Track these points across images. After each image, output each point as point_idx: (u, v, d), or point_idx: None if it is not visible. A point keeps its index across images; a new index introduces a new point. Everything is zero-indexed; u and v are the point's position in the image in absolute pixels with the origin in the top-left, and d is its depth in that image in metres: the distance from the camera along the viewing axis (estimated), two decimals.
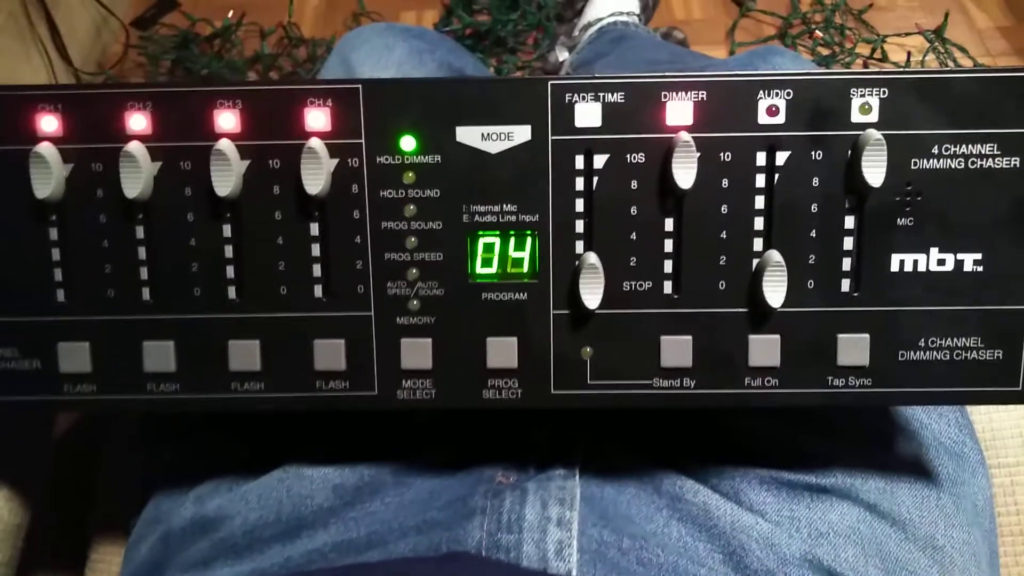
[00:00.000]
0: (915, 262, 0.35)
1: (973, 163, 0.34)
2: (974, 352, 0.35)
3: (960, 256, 0.35)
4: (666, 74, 0.34)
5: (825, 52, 1.34)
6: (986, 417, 0.53)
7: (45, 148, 0.34)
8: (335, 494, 0.41)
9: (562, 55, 1.28)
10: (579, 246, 0.35)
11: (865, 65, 1.32)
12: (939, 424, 0.44)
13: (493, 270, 0.36)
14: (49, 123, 0.35)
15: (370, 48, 0.65)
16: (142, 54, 1.38)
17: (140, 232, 0.35)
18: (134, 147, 0.34)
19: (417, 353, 0.36)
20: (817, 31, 1.36)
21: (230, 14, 1.41)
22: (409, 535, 0.39)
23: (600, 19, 1.20)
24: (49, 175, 0.34)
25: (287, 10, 1.41)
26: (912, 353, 0.35)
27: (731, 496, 0.40)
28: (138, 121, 0.35)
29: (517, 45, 1.37)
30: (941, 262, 0.35)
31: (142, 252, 0.36)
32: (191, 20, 1.40)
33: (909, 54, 1.32)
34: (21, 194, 0.35)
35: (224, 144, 0.34)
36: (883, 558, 0.39)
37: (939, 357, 0.35)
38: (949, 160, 0.34)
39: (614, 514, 0.39)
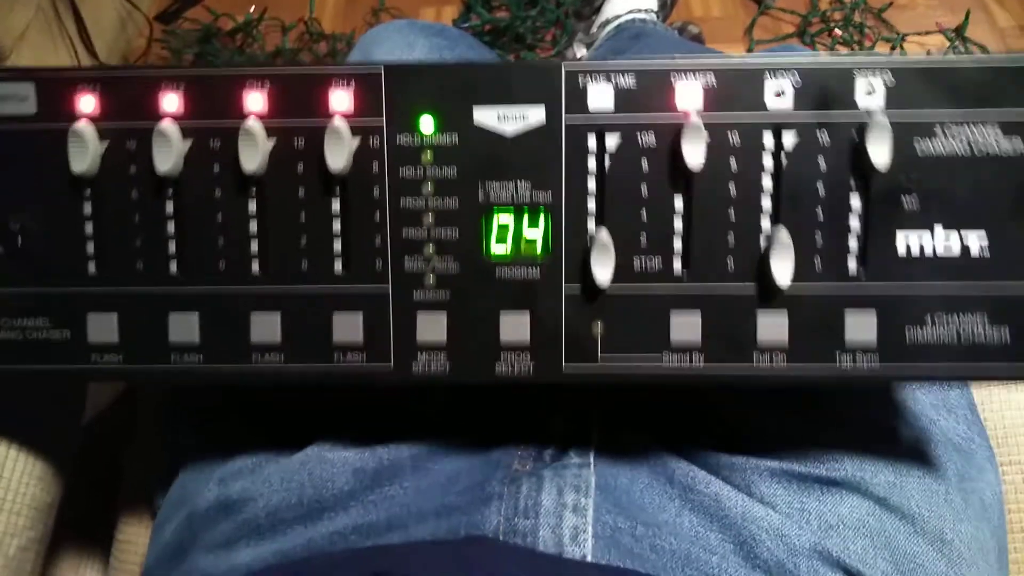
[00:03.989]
0: (921, 241, 0.35)
1: (977, 145, 0.35)
2: (980, 329, 0.35)
3: (965, 235, 0.35)
4: (675, 58, 0.35)
5: (844, 50, 1.34)
6: (998, 415, 0.53)
7: (83, 126, 0.36)
8: (355, 477, 0.42)
9: (580, 52, 1.29)
10: (591, 224, 0.36)
11: None
12: (948, 421, 0.45)
13: (507, 247, 0.36)
14: (87, 103, 0.36)
15: (391, 45, 0.66)
16: (165, 48, 1.40)
17: (170, 208, 0.37)
18: (166, 125, 0.36)
19: (432, 327, 0.37)
20: (836, 29, 1.36)
21: (252, 9, 1.43)
22: (428, 519, 0.40)
23: (618, 16, 1.20)
24: (85, 152, 0.36)
25: (308, 5, 1.43)
26: (919, 331, 0.36)
27: (742, 487, 0.41)
28: (171, 101, 0.36)
29: (535, 42, 1.38)
30: (946, 241, 0.35)
31: (171, 227, 0.37)
32: (214, 15, 1.42)
33: (929, 53, 1.31)
34: (58, 170, 0.36)
35: (252, 123, 0.35)
36: (892, 551, 0.39)
37: (946, 335, 0.36)
38: (953, 143, 0.35)
39: (628, 502, 0.40)
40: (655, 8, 1.22)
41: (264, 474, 0.43)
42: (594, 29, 1.27)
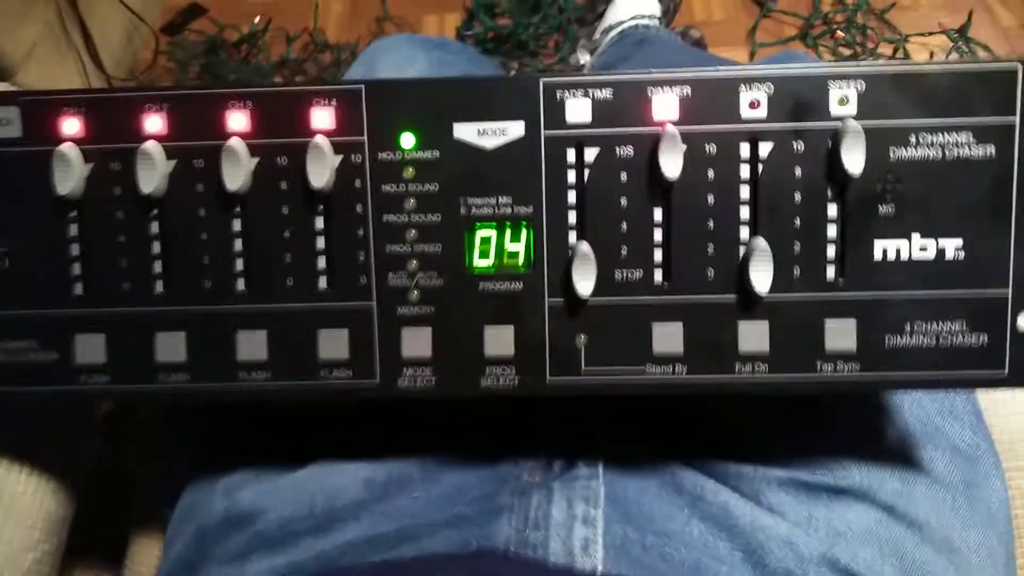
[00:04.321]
0: (898, 249, 0.35)
1: (950, 152, 0.35)
2: (959, 337, 0.36)
3: (942, 242, 0.35)
4: (651, 71, 0.35)
5: (847, 52, 1.33)
6: (1003, 420, 0.52)
7: (67, 148, 0.36)
8: (366, 488, 0.42)
9: (583, 58, 1.29)
10: (572, 237, 0.36)
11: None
12: (954, 427, 0.44)
13: (490, 261, 0.37)
14: (71, 125, 0.37)
15: (392, 59, 0.67)
16: (171, 59, 1.41)
17: (155, 228, 0.37)
18: (150, 146, 0.36)
19: (417, 342, 0.37)
20: (839, 31, 1.35)
21: (257, 20, 1.44)
22: (439, 531, 0.40)
23: (621, 22, 1.20)
24: (70, 174, 0.36)
25: (312, 16, 1.44)
26: (899, 338, 0.36)
27: (751, 496, 0.41)
28: (154, 122, 0.37)
29: (538, 48, 1.38)
30: (923, 248, 0.35)
31: (156, 247, 0.37)
32: (219, 26, 1.43)
33: (932, 54, 1.31)
34: (44, 192, 0.37)
35: (235, 142, 0.36)
36: (900, 558, 0.39)
37: (925, 342, 0.36)
38: (927, 149, 0.35)
39: (637, 512, 0.40)
40: (658, 14, 1.23)
41: (274, 485, 0.44)
42: (597, 35, 1.28)
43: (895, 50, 1.32)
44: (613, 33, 1.20)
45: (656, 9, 1.23)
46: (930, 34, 1.33)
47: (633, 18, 1.20)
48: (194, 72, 1.39)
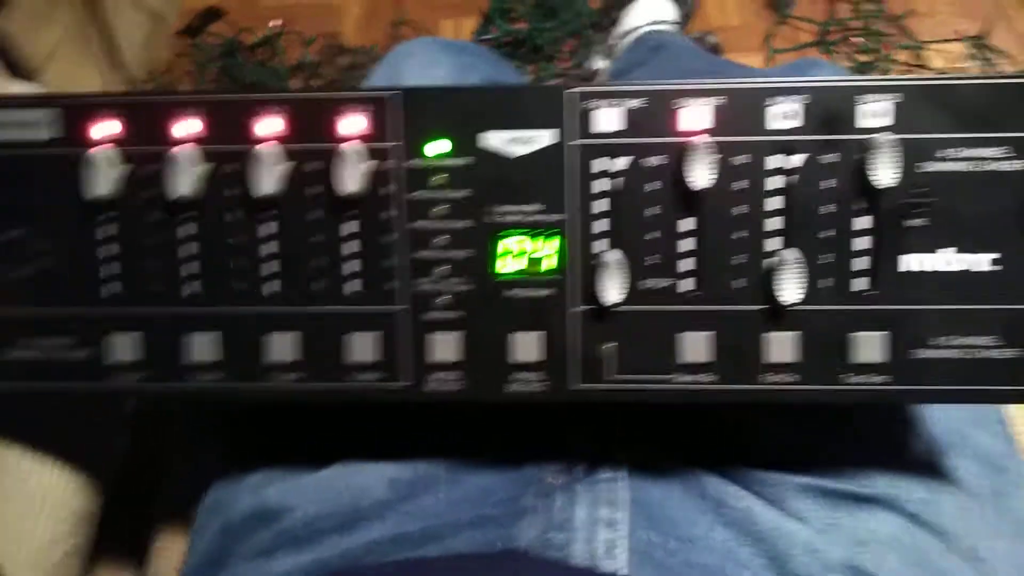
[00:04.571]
0: (929, 262, 0.35)
1: (984, 166, 0.35)
2: (990, 351, 0.36)
3: (974, 256, 0.35)
4: (682, 81, 0.35)
5: (863, 59, 1.33)
6: None
7: (102, 150, 0.37)
8: (391, 487, 0.43)
9: (599, 63, 1.29)
10: (600, 245, 0.37)
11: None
12: (983, 436, 0.44)
13: (518, 268, 0.37)
14: (109, 127, 0.37)
15: (416, 62, 0.67)
16: (190, 62, 1.42)
17: (188, 230, 0.38)
18: (186, 149, 0.37)
19: (445, 347, 0.37)
20: (855, 38, 1.35)
21: (274, 23, 1.45)
22: (463, 531, 0.40)
23: (638, 28, 1.20)
24: (107, 175, 0.37)
25: (329, 19, 1.45)
26: (928, 351, 0.36)
27: (774, 503, 0.41)
28: (190, 126, 0.37)
29: (554, 53, 1.38)
30: (954, 262, 0.35)
31: (190, 248, 0.38)
32: (237, 29, 1.44)
33: (949, 61, 1.31)
34: (78, 193, 0.37)
35: (269, 147, 0.36)
36: (925, 568, 0.39)
37: (955, 356, 0.36)
38: (960, 163, 0.35)
39: (661, 517, 0.40)
40: (674, 20, 1.23)
41: (301, 483, 0.44)
42: (613, 41, 1.28)
43: (912, 57, 1.31)
44: (629, 38, 1.20)
45: (672, 15, 1.23)
46: (947, 41, 1.32)
47: (649, 23, 1.20)
48: (212, 75, 1.40)
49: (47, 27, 1.14)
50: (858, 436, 0.43)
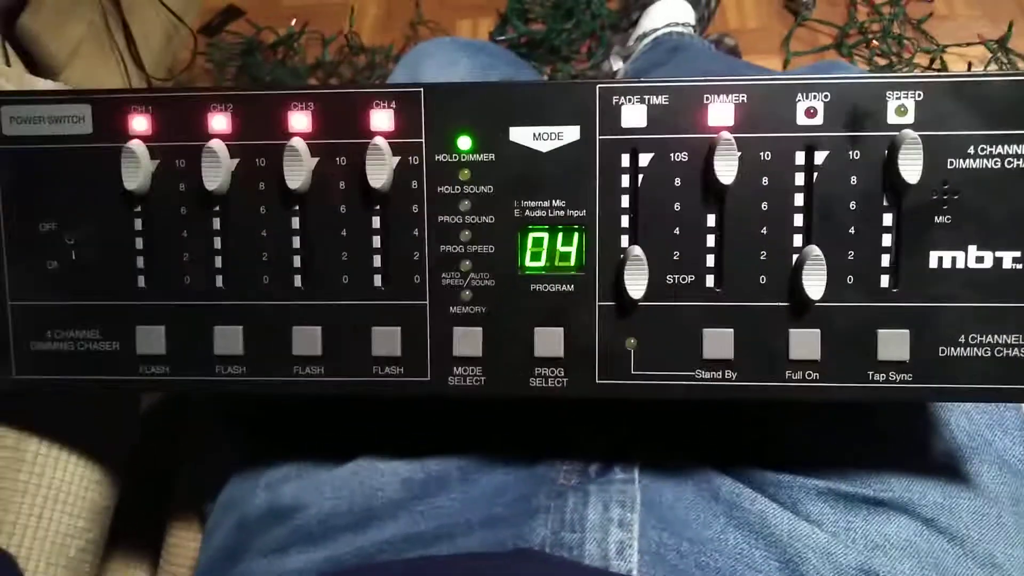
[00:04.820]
0: (954, 259, 0.35)
1: (1010, 163, 0.35)
2: (1015, 349, 0.35)
3: (999, 254, 0.35)
4: (707, 78, 0.36)
5: (883, 62, 1.32)
6: None
7: (135, 145, 0.37)
8: (404, 487, 0.43)
9: (616, 64, 1.29)
10: (624, 240, 0.37)
11: None
12: (1003, 441, 0.44)
13: (542, 263, 0.37)
14: (140, 123, 0.38)
15: (435, 62, 0.68)
16: (209, 60, 1.43)
17: (217, 224, 0.38)
18: (215, 144, 0.37)
19: (468, 341, 0.38)
20: (874, 41, 1.35)
21: (293, 22, 1.46)
22: (475, 530, 0.40)
23: (656, 29, 1.20)
24: (138, 170, 0.37)
25: (348, 19, 1.45)
26: (952, 349, 0.36)
27: (788, 506, 0.41)
28: (219, 121, 0.38)
29: (571, 54, 1.38)
30: (980, 259, 0.35)
31: (217, 242, 0.38)
32: (256, 28, 1.45)
33: (970, 64, 1.30)
34: (112, 187, 0.38)
35: (296, 142, 0.37)
36: (940, 573, 0.39)
37: (980, 354, 0.36)
38: (985, 160, 0.35)
39: (673, 518, 0.40)
40: (692, 22, 1.23)
41: (316, 481, 0.44)
42: (630, 42, 1.28)
43: (932, 60, 1.31)
44: (647, 40, 1.20)
45: (691, 17, 1.23)
46: (968, 45, 1.31)
47: (667, 25, 1.20)
48: (231, 73, 1.41)
49: (70, 24, 1.15)
50: (874, 438, 0.43)
